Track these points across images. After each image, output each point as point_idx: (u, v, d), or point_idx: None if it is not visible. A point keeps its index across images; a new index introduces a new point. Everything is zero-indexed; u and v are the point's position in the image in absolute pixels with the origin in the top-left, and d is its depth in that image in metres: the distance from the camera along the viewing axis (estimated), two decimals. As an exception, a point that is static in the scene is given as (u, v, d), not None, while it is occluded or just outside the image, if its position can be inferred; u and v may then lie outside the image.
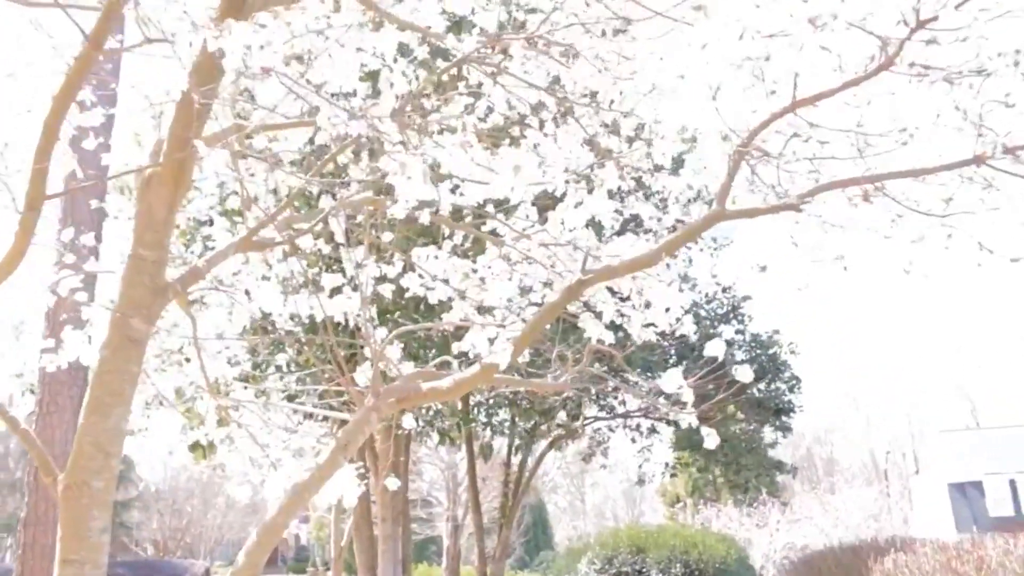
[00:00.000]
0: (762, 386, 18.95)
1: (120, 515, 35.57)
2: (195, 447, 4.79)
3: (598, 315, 4.48)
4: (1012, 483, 35.87)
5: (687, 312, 4.18)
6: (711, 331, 18.26)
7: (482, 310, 4.17)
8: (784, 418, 19.18)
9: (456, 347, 4.63)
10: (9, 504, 33.63)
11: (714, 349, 3.48)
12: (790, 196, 3.52)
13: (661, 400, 4.15)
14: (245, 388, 4.77)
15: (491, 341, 2.85)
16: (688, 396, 3.53)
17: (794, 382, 19.12)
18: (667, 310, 4.64)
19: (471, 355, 3.37)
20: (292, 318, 4.96)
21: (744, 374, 3.63)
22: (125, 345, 3.00)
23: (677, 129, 3.97)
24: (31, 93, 3.17)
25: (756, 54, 3.45)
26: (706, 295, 19.50)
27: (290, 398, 6.20)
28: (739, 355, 18.35)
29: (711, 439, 3.67)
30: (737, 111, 3.66)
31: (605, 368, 5.57)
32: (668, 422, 18.62)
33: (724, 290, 19.55)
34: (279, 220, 3.75)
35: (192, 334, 3.85)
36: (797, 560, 21.57)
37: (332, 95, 3.88)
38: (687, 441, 20.15)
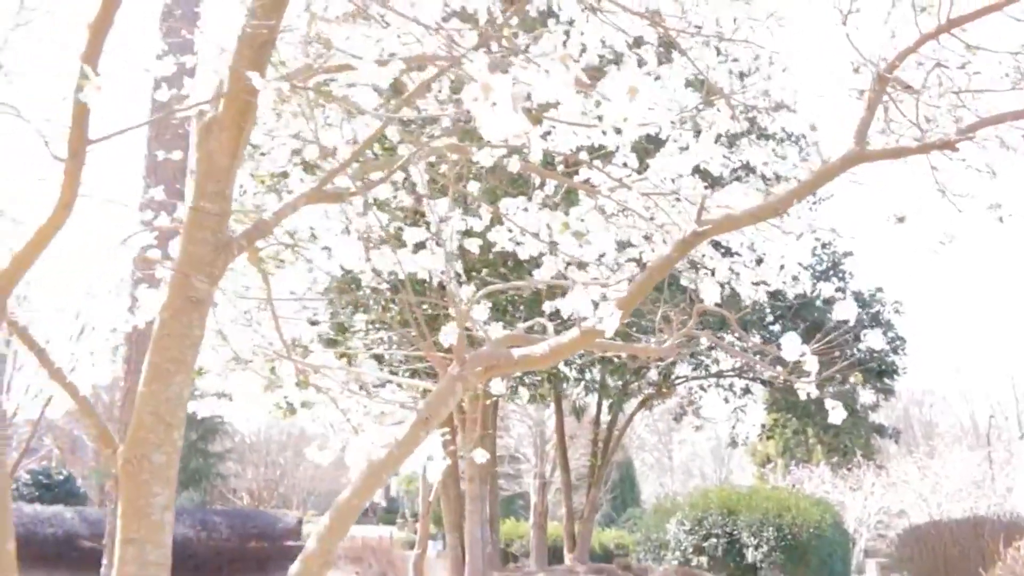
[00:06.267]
0: (862, 346, 18.10)
1: (216, 466, 36.72)
2: (277, 408, 4.57)
3: (711, 271, 4.06)
4: (1125, 446, 34.13)
5: (805, 268, 3.74)
6: (811, 289, 17.45)
7: (576, 266, 3.80)
8: (887, 380, 18.26)
9: (548, 306, 4.27)
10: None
11: (844, 311, 3.07)
12: (931, 135, 3.03)
13: (778, 368, 3.74)
14: (324, 351, 4.52)
15: (595, 304, 2.48)
16: (812, 366, 3.11)
17: (898, 343, 18.15)
18: (782, 267, 4.20)
19: (565, 316, 3.01)
20: (376, 274, 4.69)
21: (875, 339, 3.19)
22: (186, 307, 2.73)
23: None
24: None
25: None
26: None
27: (377, 359, 5.96)
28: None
29: (837, 414, 3.25)
30: (870, 41, 3.17)
31: (702, 327, 5.15)
32: (763, 382, 17.97)
33: (824, 246, 18.63)
34: (354, 169, 3.43)
35: (267, 295, 3.59)
36: (904, 532, 20.73)
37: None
38: (783, 402, 19.44)
